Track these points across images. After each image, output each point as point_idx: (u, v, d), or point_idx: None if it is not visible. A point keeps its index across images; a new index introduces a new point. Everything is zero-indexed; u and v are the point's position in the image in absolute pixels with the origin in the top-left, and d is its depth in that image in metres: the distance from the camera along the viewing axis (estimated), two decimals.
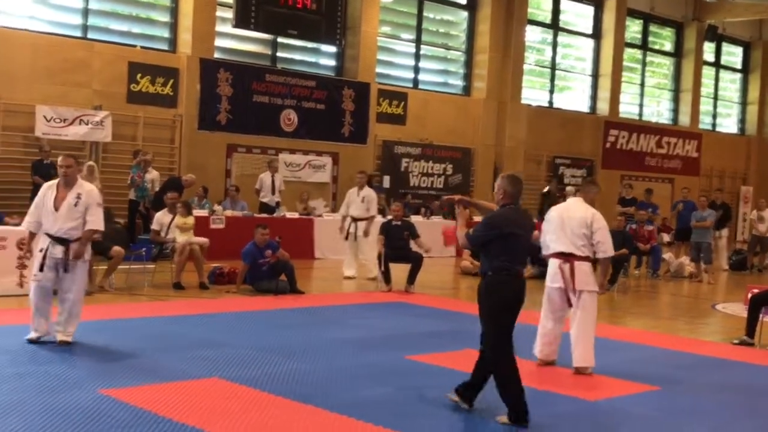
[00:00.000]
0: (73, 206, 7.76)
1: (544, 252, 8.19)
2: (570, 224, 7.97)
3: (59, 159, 7.95)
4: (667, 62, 28.18)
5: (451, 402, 6.37)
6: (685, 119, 27.99)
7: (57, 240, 7.74)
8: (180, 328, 9.12)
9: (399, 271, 13.17)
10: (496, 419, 6.08)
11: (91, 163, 15.06)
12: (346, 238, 14.24)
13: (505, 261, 6.22)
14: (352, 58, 19.73)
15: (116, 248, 11.55)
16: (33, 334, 7.85)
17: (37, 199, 7.96)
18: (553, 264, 8.04)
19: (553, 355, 8.17)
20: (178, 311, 10.23)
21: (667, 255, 17.58)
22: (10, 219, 11.88)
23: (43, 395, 6.23)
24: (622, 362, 8.43)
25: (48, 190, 7.90)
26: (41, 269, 7.75)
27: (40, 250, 7.78)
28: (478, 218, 9.64)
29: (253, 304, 11.07)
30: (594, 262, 8.16)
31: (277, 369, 7.36)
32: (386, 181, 20.17)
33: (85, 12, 16.50)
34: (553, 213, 8.22)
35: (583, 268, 7.94)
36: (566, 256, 7.94)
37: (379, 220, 14.53)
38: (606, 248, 7.99)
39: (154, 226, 12.69)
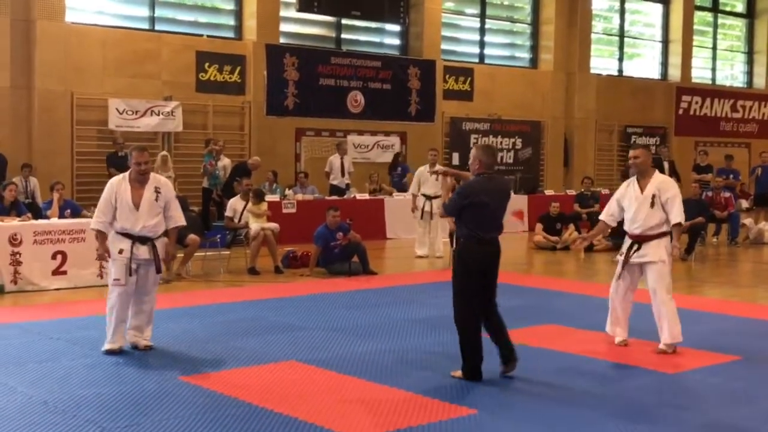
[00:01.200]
0: (154, 201, 7.26)
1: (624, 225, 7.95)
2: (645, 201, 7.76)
3: (134, 154, 7.38)
4: (740, 24, 27.49)
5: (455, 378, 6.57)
6: (760, 81, 27.31)
7: (140, 239, 7.16)
8: (256, 313, 9.20)
9: None
10: (450, 374, 6.57)
11: (164, 153, 15.29)
12: (422, 216, 14.17)
13: (475, 228, 6.47)
14: (417, 35, 19.63)
15: (192, 236, 11.68)
16: (113, 345, 7.17)
17: (106, 195, 7.24)
18: (627, 240, 7.84)
19: (625, 332, 7.90)
20: (254, 296, 10.31)
21: (747, 221, 17.14)
22: (87, 212, 12.08)
23: (124, 385, 6.33)
24: (701, 333, 8.23)
25: (119, 186, 7.26)
26: (130, 273, 7.12)
27: (120, 252, 7.12)
28: None
29: (326, 287, 11.11)
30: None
31: (351, 350, 7.37)
32: (455, 158, 20.05)
33: (152, 4, 16.68)
34: (620, 191, 7.92)
35: (657, 244, 7.57)
36: (637, 236, 7.74)
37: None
38: (676, 214, 7.49)
39: (228, 213, 12.80)
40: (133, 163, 7.36)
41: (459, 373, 6.54)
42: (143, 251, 7.13)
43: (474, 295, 6.49)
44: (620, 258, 7.81)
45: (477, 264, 6.49)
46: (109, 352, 7.09)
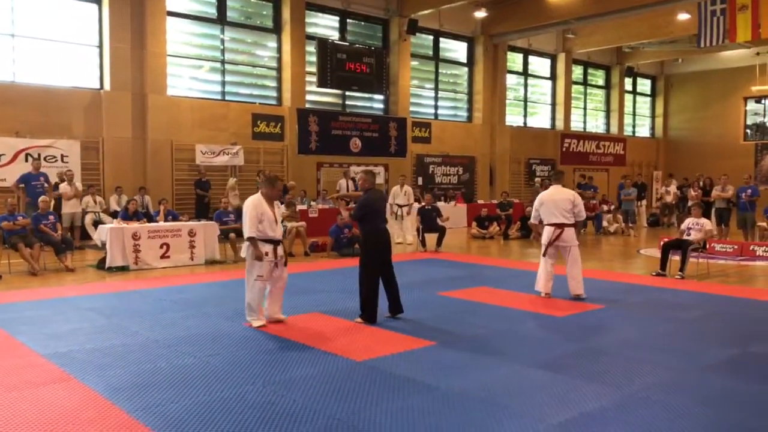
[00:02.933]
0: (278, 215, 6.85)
1: (543, 221, 7.98)
2: (560, 204, 7.86)
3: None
4: (600, 93, 27.56)
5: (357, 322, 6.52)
6: (614, 129, 27.42)
7: (277, 242, 6.58)
8: (292, 281, 9.03)
9: (430, 239, 13.10)
10: (354, 319, 6.55)
11: (233, 179, 15.23)
12: (396, 218, 14.24)
13: (374, 223, 6.60)
14: (394, 102, 19.61)
15: None
16: (261, 322, 6.45)
17: (254, 212, 6.38)
18: (549, 230, 7.88)
19: (550, 288, 7.97)
20: (291, 270, 10.21)
21: (605, 219, 17.23)
22: (182, 217, 12.05)
23: (208, 328, 6.31)
24: None
25: (260, 205, 6.46)
26: (275, 267, 6.54)
27: (266, 254, 6.42)
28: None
29: (338, 264, 11.10)
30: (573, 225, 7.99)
31: (355, 305, 7.36)
32: (419, 181, 20.05)
33: (223, 83, 16.63)
34: (545, 197, 7.99)
35: (570, 232, 7.87)
36: (559, 225, 7.82)
37: (416, 205, 14.46)
38: (583, 214, 8.03)
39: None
40: (277, 189, 6.79)
41: (359, 318, 6.53)
42: (280, 251, 6.57)
43: (378, 265, 6.57)
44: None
45: (379, 245, 6.58)
46: (261, 327, 6.31)
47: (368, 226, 6.62)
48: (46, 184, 12.22)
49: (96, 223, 12.56)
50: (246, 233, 6.39)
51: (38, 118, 13.58)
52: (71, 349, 5.48)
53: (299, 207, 14.29)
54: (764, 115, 26.75)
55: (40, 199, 10.74)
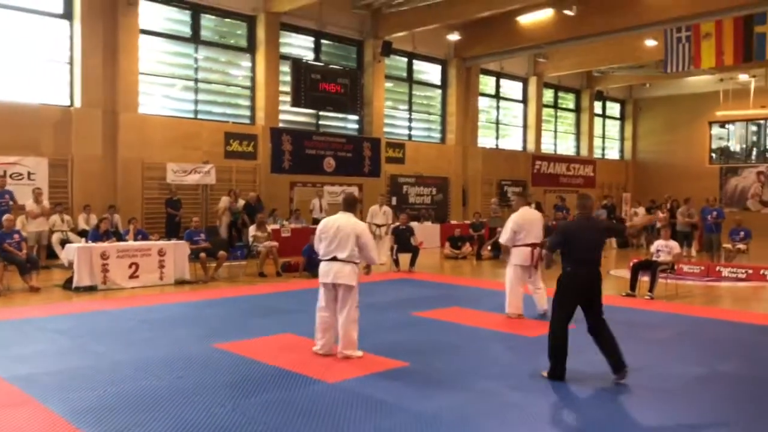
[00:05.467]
0: None
1: (517, 243, 7.93)
2: (535, 225, 7.95)
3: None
4: (570, 116, 28.05)
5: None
6: (584, 151, 27.88)
7: None
8: (264, 301, 9.09)
9: (404, 258, 13.11)
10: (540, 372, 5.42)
11: (225, 197, 15.01)
12: (373, 237, 14.20)
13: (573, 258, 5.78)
14: (369, 122, 19.69)
15: (221, 252, 11.54)
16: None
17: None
18: (527, 251, 7.91)
19: (521, 309, 8.00)
20: (263, 291, 10.18)
21: None
22: (152, 237, 11.88)
23: (176, 348, 6.19)
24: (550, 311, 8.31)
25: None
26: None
27: None
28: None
29: (310, 284, 10.97)
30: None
31: None
32: (393, 200, 20.09)
33: (196, 102, 16.53)
34: (523, 220, 7.95)
35: (539, 252, 7.90)
36: (535, 245, 7.89)
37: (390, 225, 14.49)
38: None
39: (251, 234, 12.66)
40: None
41: (545, 372, 5.42)
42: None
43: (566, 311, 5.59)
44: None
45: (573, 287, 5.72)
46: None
47: (564, 261, 5.75)
48: (11, 202, 11.96)
49: (63, 242, 12.30)
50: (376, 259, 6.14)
51: (5, 135, 13.31)
52: (34, 371, 5.33)
53: (272, 227, 14.18)
54: (728, 140, 27.48)
55: (5, 217, 10.48)
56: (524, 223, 7.95)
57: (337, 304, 5.97)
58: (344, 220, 5.94)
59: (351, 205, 6.10)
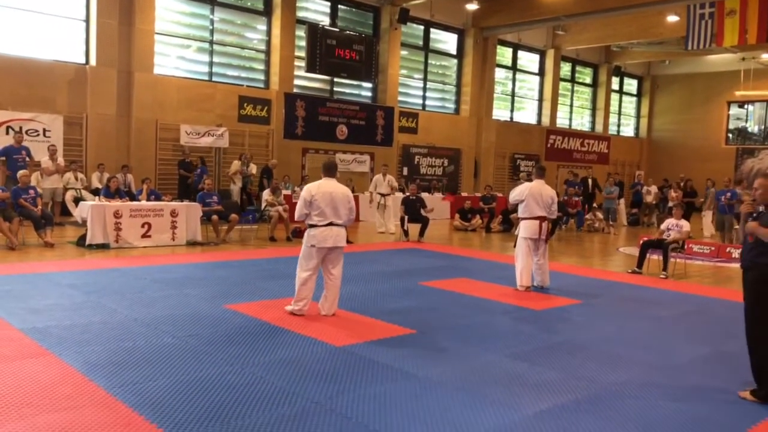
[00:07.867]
0: None
1: (521, 214, 8.08)
2: (544, 198, 7.97)
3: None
4: (587, 91, 27.74)
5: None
6: (599, 127, 27.63)
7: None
8: (274, 265, 9.16)
9: (413, 229, 13.14)
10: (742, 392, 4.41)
11: (238, 161, 15.07)
12: (378, 207, 14.32)
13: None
14: (382, 90, 19.57)
15: (233, 215, 11.61)
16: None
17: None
18: (535, 223, 7.94)
19: (531, 281, 8.05)
20: (273, 255, 10.27)
21: (588, 216, 17.38)
22: (165, 197, 11.96)
23: (188, 308, 6.28)
24: (558, 285, 8.36)
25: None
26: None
27: None
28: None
29: None
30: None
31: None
32: (405, 171, 20.06)
33: (211, 64, 16.47)
34: (532, 190, 8.02)
35: (547, 226, 8.07)
36: (543, 218, 7.91)
37: (399, 195, 14.50)
38: (555, 213, 8.28)
39: (264, 201, 12.82)
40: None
41: (750, 395, 4.32)
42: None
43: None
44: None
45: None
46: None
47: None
48: (27, 158, 12.05)
49: (77, 200, 12.42)
50: None
51: (21, 91, 13.35)
52: (49, 324, 5.44)
53: (284, 192, 14.23)
54: (746, 120, 27.09)
55: (20, 172, 10.58)
56: (534, 194, 7.97)
57: (327, 264, 6.24)
58: (333, 186, 6.14)
59: (333, 170, 6.27)
